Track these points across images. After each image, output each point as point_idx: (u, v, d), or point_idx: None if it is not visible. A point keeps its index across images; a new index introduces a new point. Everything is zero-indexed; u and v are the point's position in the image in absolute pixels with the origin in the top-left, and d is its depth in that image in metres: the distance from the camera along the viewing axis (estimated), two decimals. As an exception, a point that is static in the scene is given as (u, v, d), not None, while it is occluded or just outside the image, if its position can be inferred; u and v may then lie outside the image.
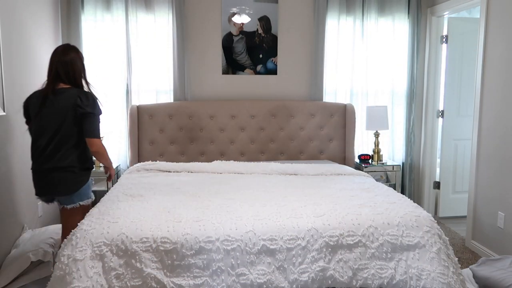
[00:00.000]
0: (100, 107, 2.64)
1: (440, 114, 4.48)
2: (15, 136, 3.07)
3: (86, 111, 2.52)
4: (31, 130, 2.64)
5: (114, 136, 4.17)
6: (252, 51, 4.29)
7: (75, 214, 2.62)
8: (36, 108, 2.56)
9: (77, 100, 2.51)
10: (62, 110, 2.52)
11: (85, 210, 2.64)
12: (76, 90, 2.58)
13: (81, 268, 2.09)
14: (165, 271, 2.14)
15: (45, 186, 2.60)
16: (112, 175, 2.88)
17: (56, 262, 2.19)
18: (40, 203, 3.45)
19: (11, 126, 3.01)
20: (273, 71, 4.35)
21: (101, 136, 2.85)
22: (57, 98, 2.53)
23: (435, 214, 4.55)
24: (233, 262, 2.17)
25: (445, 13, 4.23)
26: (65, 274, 2.09)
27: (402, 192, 4.50)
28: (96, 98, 2.62)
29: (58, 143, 2.53)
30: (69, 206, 2.62)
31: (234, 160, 4.12)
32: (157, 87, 4.21)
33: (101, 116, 2.63)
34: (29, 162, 2.63)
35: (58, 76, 2.57)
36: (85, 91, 2.62)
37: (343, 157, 4.28)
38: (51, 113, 2.53)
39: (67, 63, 2.58)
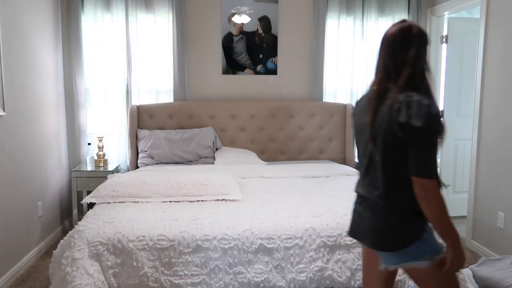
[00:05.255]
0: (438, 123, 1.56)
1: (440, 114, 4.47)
2: (15, 136, 3.08)
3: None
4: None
5: (114, 136, 4.17)
6: (252, 51, 4.29)
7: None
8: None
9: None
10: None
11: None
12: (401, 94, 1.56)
13: (81, 266, 2.10)
14: (162, 269, 2.14)
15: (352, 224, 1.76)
16: (448, 261, 1.50)
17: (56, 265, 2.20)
18: (40, 203, 3.46)
19: (11, 126, 3.01)
20: (273, 71, 4.35)
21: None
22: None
23: (436, 215, 4.54)
24: (231, 261, 2.17)
25: (445, 13, 4.22)
26: (66, 274, 2.10)
27: (402, 192, 4.48)
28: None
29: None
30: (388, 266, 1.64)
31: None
32: (157, 87, 4.21)
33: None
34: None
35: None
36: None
37: (343, 157, 4.28)
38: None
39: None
